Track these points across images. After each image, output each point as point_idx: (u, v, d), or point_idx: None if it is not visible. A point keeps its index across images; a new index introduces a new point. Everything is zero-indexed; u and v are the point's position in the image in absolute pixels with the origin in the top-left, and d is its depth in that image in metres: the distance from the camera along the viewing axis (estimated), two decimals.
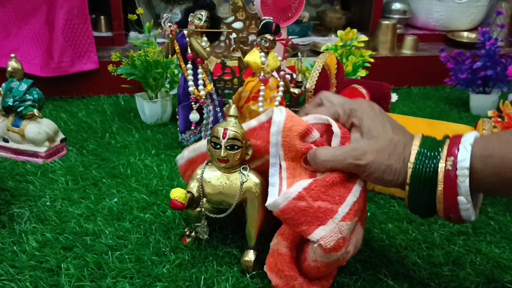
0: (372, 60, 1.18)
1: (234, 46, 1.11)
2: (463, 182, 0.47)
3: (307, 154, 0.55)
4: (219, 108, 0.93)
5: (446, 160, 0.49)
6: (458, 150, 0.49)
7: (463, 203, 0.48)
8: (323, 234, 0.50)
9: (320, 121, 0.57)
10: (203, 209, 0.62)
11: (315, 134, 0.56)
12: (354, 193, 0.53)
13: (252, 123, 0.60)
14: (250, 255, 0.61)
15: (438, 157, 0.50)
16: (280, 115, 0.55)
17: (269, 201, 0.53)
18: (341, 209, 0.52)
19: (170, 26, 0.86)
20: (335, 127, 0.56)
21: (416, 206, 0.52)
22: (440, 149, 0.50)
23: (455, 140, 0.50)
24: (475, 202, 0.51)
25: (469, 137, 0.50)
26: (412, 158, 0.51)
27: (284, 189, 0.53)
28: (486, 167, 0.47)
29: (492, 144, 0.48)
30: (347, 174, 0.54)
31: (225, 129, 0.58)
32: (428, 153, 0.50)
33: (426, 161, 0.50)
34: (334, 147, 0.55)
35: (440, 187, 0.48)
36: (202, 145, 0.64)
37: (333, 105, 0.58)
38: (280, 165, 0.55)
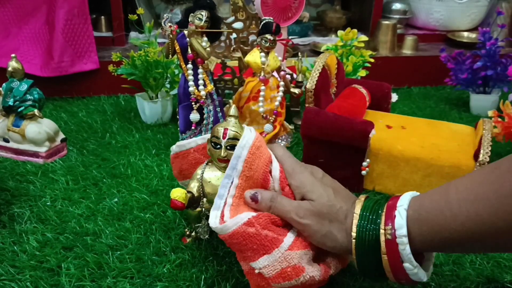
0: (372, 60, 1.18)
1: (234, 46, 1.11)
2: (404, 249, 0.47)
3: (260, 192, 0.55)
4: (219, 108, 0.93)
5: (385, 229, 0.49)
6: (395, 217, 0.49)
7: (409, 269, 0.48)
8: (266, 263, 0.51)
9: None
10: (203, 209, 0.62)
11: (275, 166, 0.57)
12: (294, 230, 0.54)
13: (183, 145, 0.65)
14: None
15: (378, 226, 0.49)
16: (250, 133, 0.56)
17: (214, 224, 0.52)
18: (286, 239, 0.52)
19: (170, 26, 0.86)
20: (276, 170, 0.56)
21: (366, 272, 0.52)
22: (379, 216, 0.50)
23: (392, 205, 0.50)
24: (427, 258, 0.51)
25: (403, 201, 0.49)
26: (354, 229, 0.51)
27: (227, 215, 0.53)
28: (422, 231, 0.47)
29: (424, 206, 0.48)
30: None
31: (225, 129, 0.58)
32: (368, 225, 0.50)
33: (367, 232, 0.50)
34: (286, 199, 0.55)
35: (384, 257, 0.49)
36: (186, 143, 0.66)
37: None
38: (232, 181, 0.55)
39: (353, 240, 0.50)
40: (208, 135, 0.61)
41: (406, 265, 0.48)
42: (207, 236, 0.64)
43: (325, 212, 0.52)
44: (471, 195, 0.45)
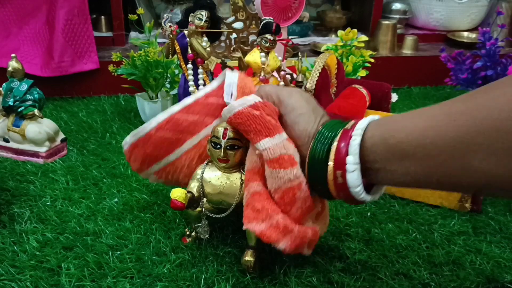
0: (372, 60, 1.18)
1: (234, 46, 1.11)
2: (354, 141, 0.48)
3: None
4: None
5: (346, 126, 0.51)
6: (357, 121, 0.50)
7: (351, 164, 0.48)
8: (268, 145, 0.54)
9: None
10: (203, 209, 0.62)
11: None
12: None
13: (187, 101, 0.64)
14: (250, 255, 0.61)
15: (341, 128, 0.51)
16: (233, 75, 0.61)
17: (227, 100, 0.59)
18: (284, 133, 0.55)
19: (170, 26, 0.86)
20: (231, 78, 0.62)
21: (313, 174, 0.53)
22: (344, 125, 0.52)
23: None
24: (376, 190, 0.52)
25: (374, 116, 0.51)
26: (323, 122, 0.53)
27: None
28: (378, 132, 0.48)
29: (388, 118, 0.50)
30: None
31: (225, 129, 0.58)
32: (336, 125, 0.52)
33: (331, 131, 0.51)
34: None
35: (335, 144, 0.50)
36: (141, 129, 0.65)
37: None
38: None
39: (315, 134, 0.52)
40: (169, 109, 0.63)
41: (349, 158, 0.48)
42: (207, 236, 0.64)
43: (312, 101, 0.56)
44: (429, 111, 0.45)
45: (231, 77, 0.61)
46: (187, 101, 0.64)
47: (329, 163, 0.50)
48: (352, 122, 0.51)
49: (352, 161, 0.48)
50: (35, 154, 0.91)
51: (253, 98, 0.56)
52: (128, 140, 0.66)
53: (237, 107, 0.55)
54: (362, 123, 0.49)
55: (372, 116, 0.51)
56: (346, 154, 0.48)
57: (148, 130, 0.64)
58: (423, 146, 0.44)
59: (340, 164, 0.49)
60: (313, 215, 0.57)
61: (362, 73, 1.17)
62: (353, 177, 0.48)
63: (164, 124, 0.64)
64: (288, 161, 0.53)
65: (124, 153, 0.68)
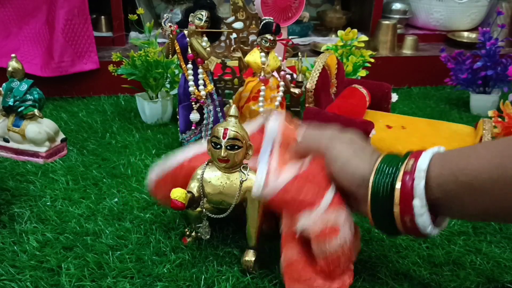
0: (372, 60, 1.18)
1: (234, 46, 1.11)
2: (419, 184, 0.47)
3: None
4: (219, 108, 0.93)
5: (407, 164, 0.49)
6: (420, 155, 0.49)
7: (418, 208, 0.47)
8: (308, 223, 0.52)
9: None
10: (204, 210, 0.62)
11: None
12: (332, 188, 0.55)
13: (169, 164, 0.64)
14: (251, 255, 0.61)
15: (402, 161, 0.50)
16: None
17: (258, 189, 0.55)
18: (323, 201, 0.53)
19: (170, 26, 0.86)
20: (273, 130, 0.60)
21: (378, 215, 0.51)
22: (406, 157, 0.51)
23: (418, 151, 0.51)
24: (440, 221, 0.51)
25: (432, 149, 0.50)
26: (378, 161, 0.51)
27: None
28: (443, 170, 0.47)
29: (451, 153, 0.49)
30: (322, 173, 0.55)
31: (226, 129, 0.58)
32: (392, 161, 0.51)
33: (390, 166, 0.50)
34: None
35: (398, 186, 0.48)
36: (175, 157, 0.65)
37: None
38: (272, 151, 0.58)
39: (373, 173, 0.50)
40: (201, 142, 0.63)
41: (416, 201, 0.47)
42: (208, 237, 0.64)
43: (355, 141, 0.55)
44: (498, 146, 0.45)
45: (272, 130, 0.59)
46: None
47: (394, 210, 0.49)
48: (412, 161, 0.49)
49: (419, 204, 0.47)
50: (35, 154, 0.91)
51: (286, 178, 0.54)
52: (157, 172, 0.65)
53: (270, 194, 0.54)
54: (424, 162, 0.48)
55: (432, 150, 0.50)
56: (412, 197, 0.47)
57: (181, 161, 0.64)
58: (500, 181, 0.43)
59: (407, 209, 0.48)
60: None
61: (362, 73, 1.17)
62: (423, 220, 0.48)
63: (200, 156, 0.64)
64: (332, 231, 0.52)
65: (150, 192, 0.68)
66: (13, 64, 0.90)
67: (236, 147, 0.58)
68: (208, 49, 0.88)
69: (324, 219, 0.52)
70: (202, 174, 0.62)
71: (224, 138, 0.58)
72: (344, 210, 0.54)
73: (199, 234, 0.65)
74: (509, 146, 0.44)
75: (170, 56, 0.90)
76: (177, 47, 0.87)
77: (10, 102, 0.89)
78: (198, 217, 0.64)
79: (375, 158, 0.52)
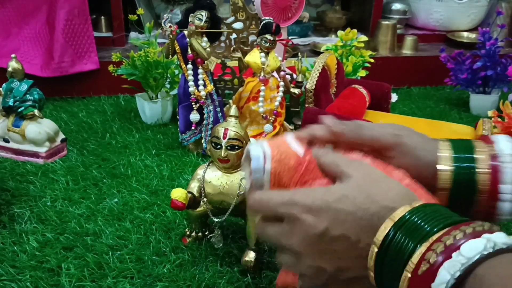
0: (372, 60, 1.18)
1: (234, 46, 1.11)
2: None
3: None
4: (219, 108, 0.93)
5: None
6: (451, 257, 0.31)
7: None
8: None
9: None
10: (215, 219, 0.62)
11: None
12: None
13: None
14: (251, 255, 0.61)
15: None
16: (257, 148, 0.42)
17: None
18: None
19: (170, 27, 0.86)
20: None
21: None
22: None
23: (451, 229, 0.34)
24: None
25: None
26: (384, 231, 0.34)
27: None
28: None
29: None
30: None
31: (226, 129, 0.58)
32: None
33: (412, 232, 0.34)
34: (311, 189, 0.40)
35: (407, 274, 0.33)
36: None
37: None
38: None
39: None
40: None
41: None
42: (221, 245, 0.64)
43: (374, 174, 0.38)
44: None
45: (255, 150, 0.41)
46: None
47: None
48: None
49: None
50: (35, 154, 0.91)
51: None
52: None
53: None
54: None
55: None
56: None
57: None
58: None
59: None
60: None
61: (362, 73, 1.17)
62: None
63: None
64: None
65: None
66: (13, 65, 0.90)
67: (236, 147, 0.59)
68: (208, 49, 0.88)
69: None
70: (203, 174, 0.62)
71: (224, 138, 0.58)
72: None
73: (212, 243, 0.65)
74: None
75: (170, 56, 0.90)
76: (177, 48, 0.88)
77: (10, 102, 0.89)
78: (198, 216, 0.64)
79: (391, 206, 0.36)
